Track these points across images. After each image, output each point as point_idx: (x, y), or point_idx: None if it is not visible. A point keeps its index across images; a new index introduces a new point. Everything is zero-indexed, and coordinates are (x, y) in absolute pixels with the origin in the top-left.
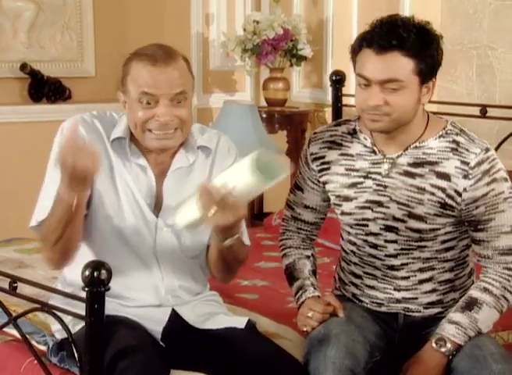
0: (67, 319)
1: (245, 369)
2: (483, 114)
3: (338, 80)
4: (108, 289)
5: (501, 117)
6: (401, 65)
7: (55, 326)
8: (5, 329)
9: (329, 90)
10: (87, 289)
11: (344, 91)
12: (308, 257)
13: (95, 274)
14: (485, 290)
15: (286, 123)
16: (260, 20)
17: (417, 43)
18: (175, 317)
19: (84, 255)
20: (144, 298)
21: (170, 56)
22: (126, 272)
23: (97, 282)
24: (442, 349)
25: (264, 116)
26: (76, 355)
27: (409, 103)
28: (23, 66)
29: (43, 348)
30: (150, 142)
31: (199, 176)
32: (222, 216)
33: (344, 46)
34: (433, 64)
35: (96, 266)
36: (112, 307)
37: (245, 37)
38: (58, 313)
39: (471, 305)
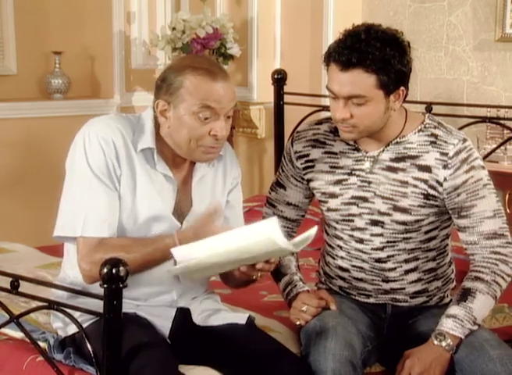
0: (75, 315)
1: (247, 364)
2: (428, 111)
3: (280, 78)
4: (126, 286)
5: (444, 114)
6: (363, 81)
7: (57, 324)
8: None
9: (255, 88)
10: (105, 286)
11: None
12: (292, 253)
13: (114, 271)
14: (476, 278)
15: None
16: (188, 19)
17: (378, 58)
18: (180, 313)
19: None
20: (157, 300)
21: (224, 71)
22: (144, 279)
23: (115, 279)
24: (443, 344)
25: None
26: (90, 351)
27: (376, 114)
28: None
29: (42, 345)
30: (199, 156)
31: (212, 181)
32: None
33: (269, 45)
34: (398, 75)
35: (115, 262)
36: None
37: (174, 35)
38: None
39: (465, 295)
